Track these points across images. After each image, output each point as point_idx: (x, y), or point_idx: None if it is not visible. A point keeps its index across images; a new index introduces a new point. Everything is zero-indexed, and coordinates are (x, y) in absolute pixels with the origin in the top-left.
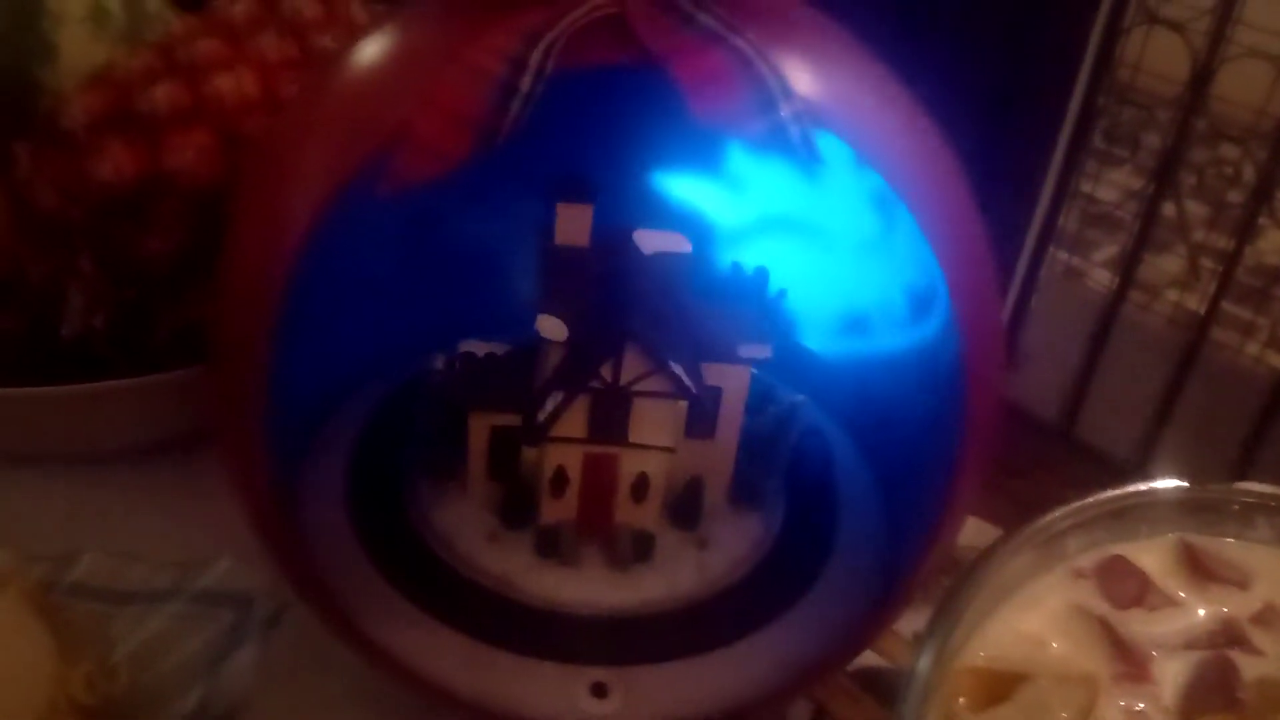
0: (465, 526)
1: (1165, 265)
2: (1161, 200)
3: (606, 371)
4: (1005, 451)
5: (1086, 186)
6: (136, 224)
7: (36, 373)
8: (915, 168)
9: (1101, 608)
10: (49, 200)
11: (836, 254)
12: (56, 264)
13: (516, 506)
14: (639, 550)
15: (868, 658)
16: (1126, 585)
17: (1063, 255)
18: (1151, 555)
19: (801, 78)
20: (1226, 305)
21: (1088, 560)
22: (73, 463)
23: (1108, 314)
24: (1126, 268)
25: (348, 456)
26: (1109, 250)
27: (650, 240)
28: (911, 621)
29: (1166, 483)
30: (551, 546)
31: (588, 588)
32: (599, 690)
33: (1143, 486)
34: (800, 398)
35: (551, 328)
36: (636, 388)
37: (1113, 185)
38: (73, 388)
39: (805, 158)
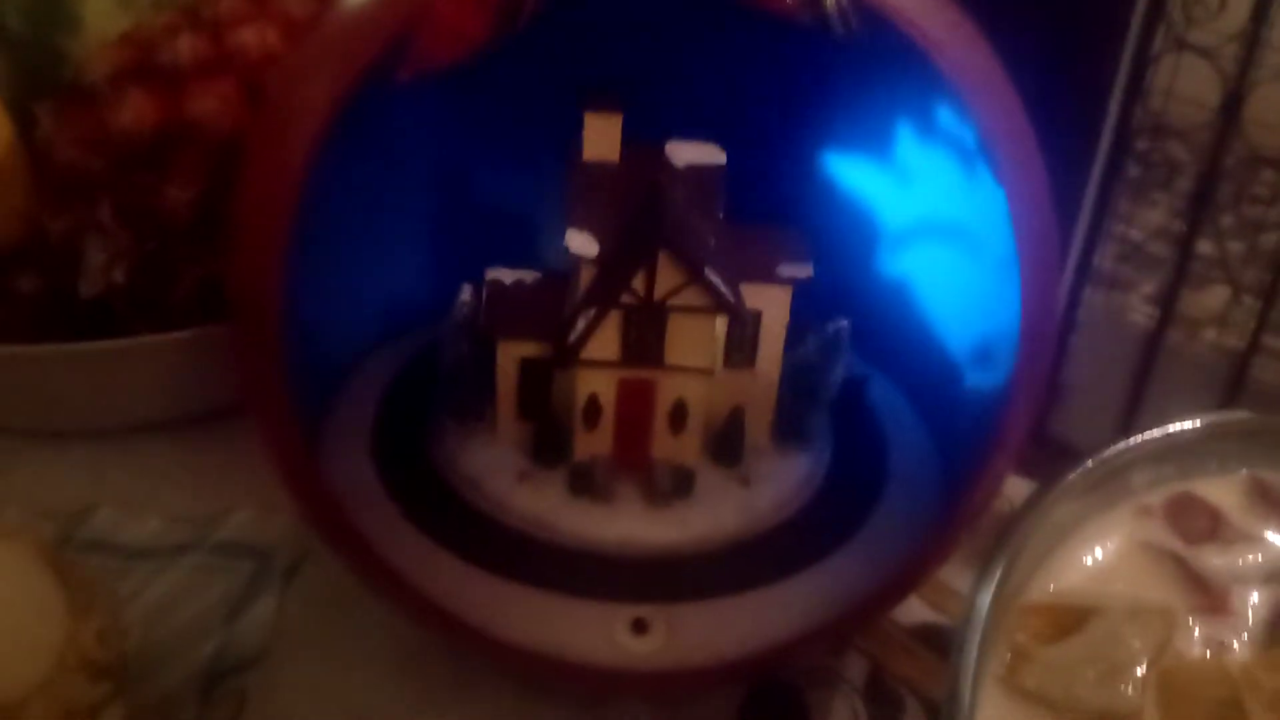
0: (495, 467)
1: (1206, 301)
2: (1199, 230)
3: (639, 285)
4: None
5: (1121, 225)
6: (157, 173)
7: (56, 335)
8: (954, 41)
9: (1173, 543)
10: (69, 154)
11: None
12: (76, 220)
13: (548, 443)
14: (678, 486)
15: (921, 613)
16: (1198, 521)
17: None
18: (1221, 491)
19: None
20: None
21: (1155, 497)
22: (93, 432)
23: (1151, 347)
24: (1166, 302)
25: (375, 403)
26: (1149, 287)
27: (683, 152)
28: (963, 576)
29: (1233, 414)
30: (586, 484)
31: (625, 525)
32: (640, 627)
33: (1211, 418)
34: (844, 323)
35: (581, 243)
36: (672, 302)
37: (1149, 224)
38: (92, 344)
39: (843, 32)
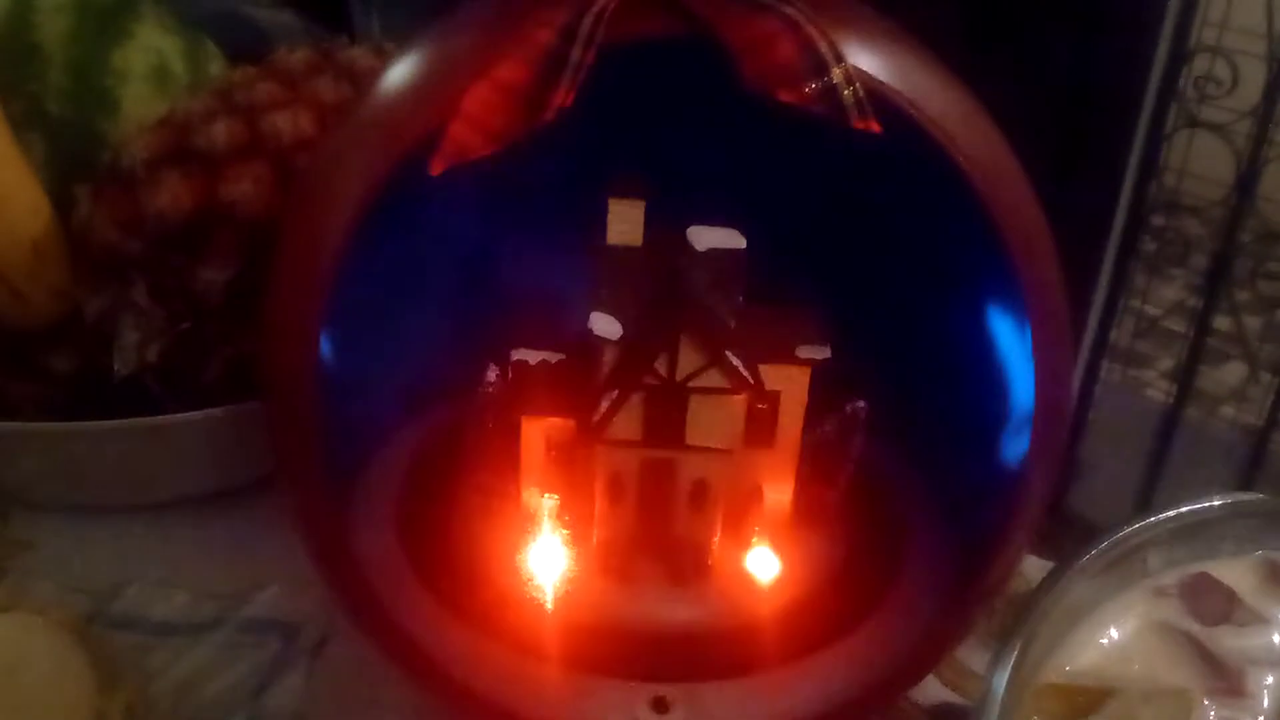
0: (519, 542)
1: (1223, 377)
2: (1215, 305)
3: (661, 367)
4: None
5: (1137, 301)
6: (192, 255)
7: (90, 412)
8: (968, 133)
9: (1189, 625)
10: (107, 235)
11: (894, 251)
12: (112, 300)
13: (571, 521)
14: (699, 564)
15: (939, 693)
16: (1213, 602)
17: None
18: (1236, 572)
19: (854, 45)
20: None
21: (1171, 578)
22: (125, 507)
23: (1168, 423)
24: (1183, 379)
25: (401, 478)
26: (1167, 363)
27: (704, 236)
28: (980, 656)
29: (1247, 496)
30: (609, 560)
31: (646, 603)
32: (660, 706)
33: (1226, 499)
34: (861, 404)
35: (605, 325)
36: (693, 383)
37: (1165, 300)
38: (126, 421)
39: (859, 122)
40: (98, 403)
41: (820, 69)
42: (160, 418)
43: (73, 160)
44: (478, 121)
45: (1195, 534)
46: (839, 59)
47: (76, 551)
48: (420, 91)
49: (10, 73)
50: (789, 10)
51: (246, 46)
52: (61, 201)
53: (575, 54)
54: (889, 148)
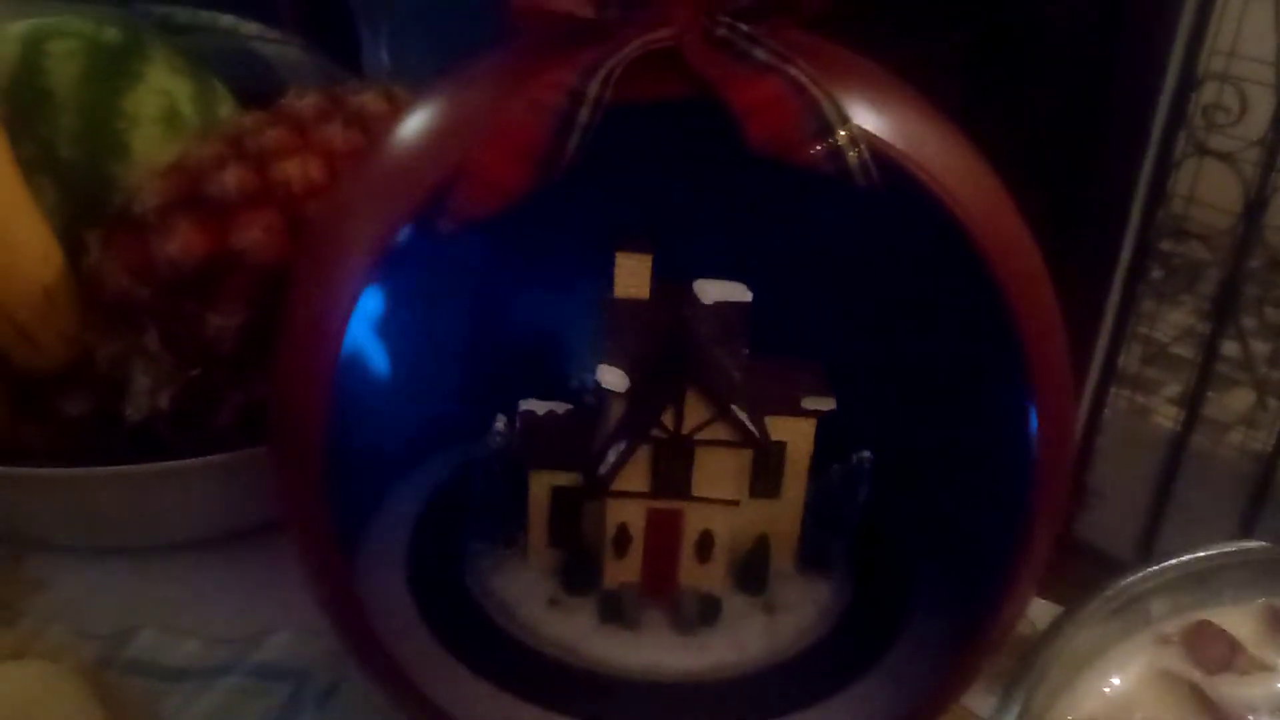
0: (526, 593)
1: (1231, 403)
2: (1222, 333)
3: (668, 420)
4: (1077, 592)
5: (1146, 326)
6: (203, 301)
7: (101, 456)
8: (971, 191)
9: (1191, 673)
10: (118, 281)
11: (896, 302)
12: (123, 346)
13: (578, 570)
14: (705, 614)
15: None
16: (1215, 650)
17: (1126, 394)
18: (1238, 620)
19: (857, 105)
20: None
21: (1173, 625)
22: (135, 549)
23: (1176, 450)
24: (1191, 405)
25: (409, 526)
26: (1174, 389)
27: (710, 290)
28: (986, 701)
29: (1250, 543)
30: (615, 610)
31: (653, 652)
32: None
33: (1229, 548)
34: (866, 454)
35: (612, 378)
36: (699, 436)
37: (1173, 326)
38: (137, 466)
39: (864, 183)
40: (109, 446)
41: (825, 131)
42: (171, 463)
43: (83, 204)
44: (487, 179)
45: (1198, 581)
46: (844, 120)
47: (88, 593)
48: (431, 149)
49: (22, 118)
50: (793, 71)
51: (255, 82)
52: (71, 246)
53: (584, 115)
54: (891, 201)
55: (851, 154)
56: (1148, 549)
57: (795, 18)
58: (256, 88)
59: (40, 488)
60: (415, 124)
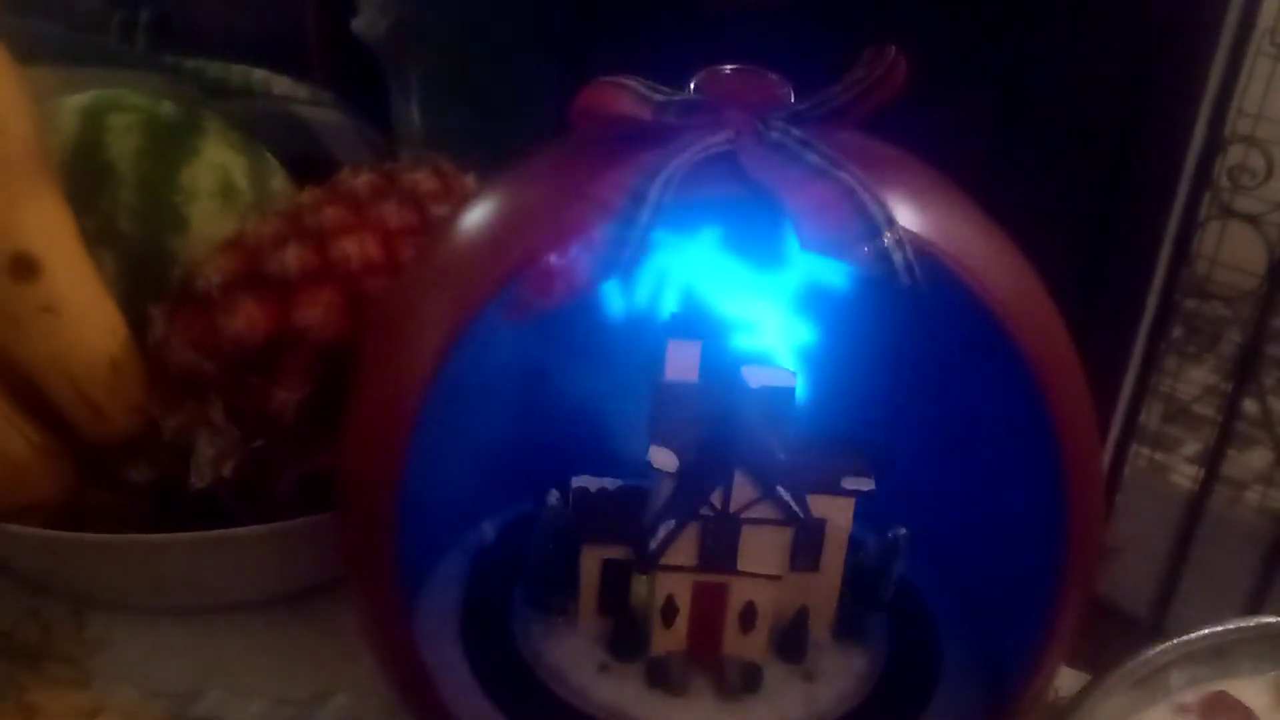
0: (577, 658)
1: (1250, 461)
2: (1243, 395)
3: (716, 499)
4: (1095, 647)
5: (1168, 383)
6: (266, 376)
7: (164, 524)
8: (1009, 287)
9: None
10: (184, 356)
11: (933, 385)
12: (188, 417)
13: (627, 638)
14: (747, 681)
15: None
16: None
17: (1145, 451)
18: (1254, 691)
19: (902, 206)
20: None
21: (1191, 695)
22: (200, 610)
23: (1194, 509)
24: (1211, 463)
25: (463, 592)
26: (1193, 447)
27: (757, 375)
28: None
29: (1267, 619)
30: (662, 677)
31: (697, 717)
32: None
33: (1247, 623)
34: (902, 531)
35: (663, 459)
36: (745, 515)
37: (1195, 384)
38: (201, 534)
39: (909, 283)
40: (173, 513)
41: (873, 233)
42: (233, 530)
43: (141, 277)
44: (549, 278)
45: (1216, 654)
46: (890, 223)
47: (151, 653)
48: (498, 241)
49: (84, 192)
50: (843, 175)
51: (299, 147)
52: (133, 318)
53: (644, 216)
54: (930, 294)
55: (897, 256)
56: (1164, 606)
57: (845, 123)
58: (301, 152)
59: (105, 553)
60: (481, 214)
